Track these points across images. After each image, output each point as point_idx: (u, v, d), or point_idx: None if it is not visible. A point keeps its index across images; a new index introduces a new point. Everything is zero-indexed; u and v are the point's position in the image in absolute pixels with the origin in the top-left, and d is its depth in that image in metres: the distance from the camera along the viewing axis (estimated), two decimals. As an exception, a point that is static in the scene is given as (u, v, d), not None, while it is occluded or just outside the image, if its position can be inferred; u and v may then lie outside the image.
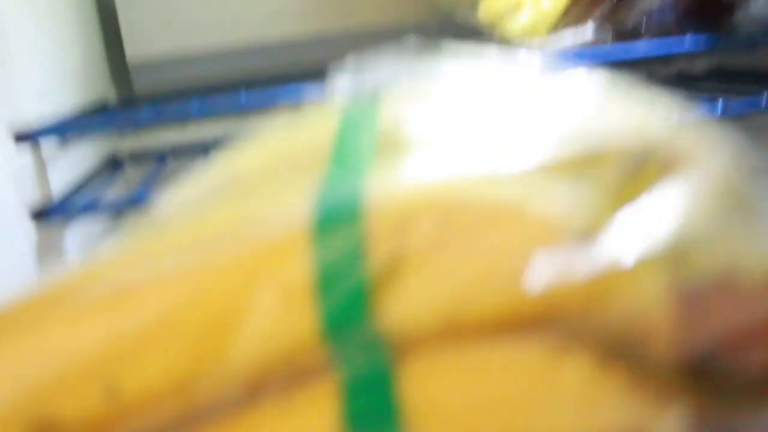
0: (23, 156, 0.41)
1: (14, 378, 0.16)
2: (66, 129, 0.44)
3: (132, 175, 0.56)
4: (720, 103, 0.41)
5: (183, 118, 0.40)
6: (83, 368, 0.16)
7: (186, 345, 0.16)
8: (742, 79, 0.50)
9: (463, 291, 0.15)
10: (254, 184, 0.17)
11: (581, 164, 0.16)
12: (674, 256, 0.15)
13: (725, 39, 0.44)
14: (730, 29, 0.44)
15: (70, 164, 0.48)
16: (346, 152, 0.17)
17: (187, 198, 0.18)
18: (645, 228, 0.15)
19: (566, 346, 0.15)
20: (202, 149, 0.55)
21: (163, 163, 0.56)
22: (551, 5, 0.42)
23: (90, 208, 0.42)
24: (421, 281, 0.15)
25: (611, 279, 0.15)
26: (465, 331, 0.15)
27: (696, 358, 0.15)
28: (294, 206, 0.16)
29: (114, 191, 0.50)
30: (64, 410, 0.16)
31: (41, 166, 0.43)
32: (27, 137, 0.43)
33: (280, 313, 0.16)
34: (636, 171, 0.16)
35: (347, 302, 0.15)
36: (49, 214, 0.41)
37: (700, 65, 0.55)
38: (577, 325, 0.15)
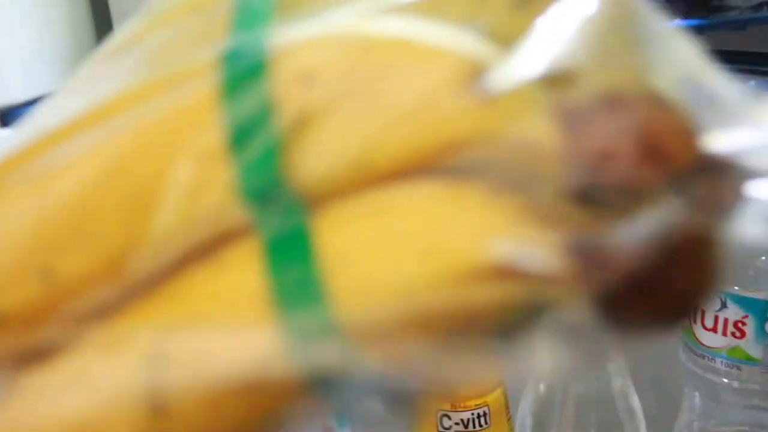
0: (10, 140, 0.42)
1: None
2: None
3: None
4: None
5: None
6: (17, 258, 0.17)
7: (113, 221, 0.16)
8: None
9: (372, 137, 0.15)
10: (155, 53, 0.18)
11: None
12: (561, 81, 0.15)
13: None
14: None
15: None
16: (245, 14, 0.17)
17: (91, 72, 0.19)
18: (533, 54, 0.15)
19: (464, 181, 0.15)
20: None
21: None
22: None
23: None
24: (330, 131, 0.16)
25: (502, 108, 0.15)
26: (374, 177, 0.16)
27: (580, 179, 0.15)
28: (201, 70, 0.16)
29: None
30: (5, 303, 0.17)
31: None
32: (13, 120, 0.44)
33: (197, 177, 0.16)
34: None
35: (260, 160, 0.16)
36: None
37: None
38: (474, 159, 0.15)
